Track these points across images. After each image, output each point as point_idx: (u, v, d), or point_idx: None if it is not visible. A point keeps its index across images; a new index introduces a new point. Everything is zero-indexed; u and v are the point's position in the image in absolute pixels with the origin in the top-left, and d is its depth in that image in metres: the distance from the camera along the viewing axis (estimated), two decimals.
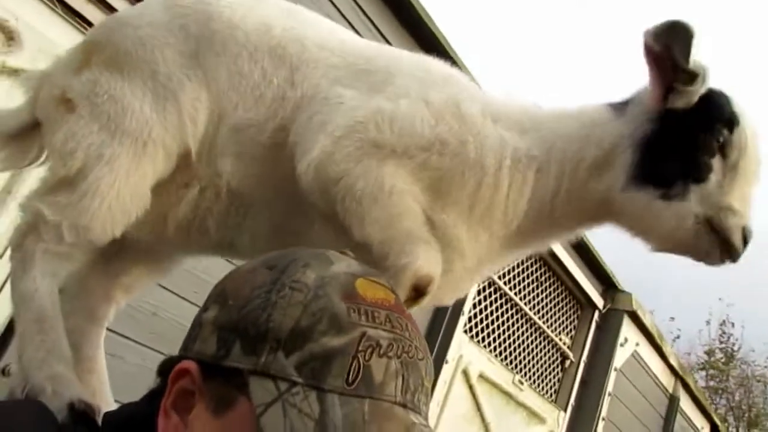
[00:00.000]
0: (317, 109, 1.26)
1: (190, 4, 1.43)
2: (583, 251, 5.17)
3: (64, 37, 2.14)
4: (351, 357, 0.79)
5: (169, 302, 2.65)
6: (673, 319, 19.46)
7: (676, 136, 1.20)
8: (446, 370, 3.98)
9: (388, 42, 3.14)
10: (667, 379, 6.74)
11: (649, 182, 1.19)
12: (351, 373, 0.79)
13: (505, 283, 4.60)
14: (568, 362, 5.45)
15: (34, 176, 2.09)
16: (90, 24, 2.24)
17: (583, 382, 5.53)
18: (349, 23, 2.98)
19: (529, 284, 4.89)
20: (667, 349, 6.44)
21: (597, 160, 1.24)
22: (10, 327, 2.09)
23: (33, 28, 2.06)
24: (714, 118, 1.20)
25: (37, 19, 2.08)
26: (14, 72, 2.04)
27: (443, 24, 3.37)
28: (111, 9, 2.29)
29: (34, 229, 1.32)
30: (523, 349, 4.92)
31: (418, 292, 1.19)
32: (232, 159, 1.33)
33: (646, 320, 5.83)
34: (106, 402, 1.43)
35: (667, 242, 1.22)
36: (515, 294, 4.73)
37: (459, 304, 4.02)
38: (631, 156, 1.21)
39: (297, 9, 1.48)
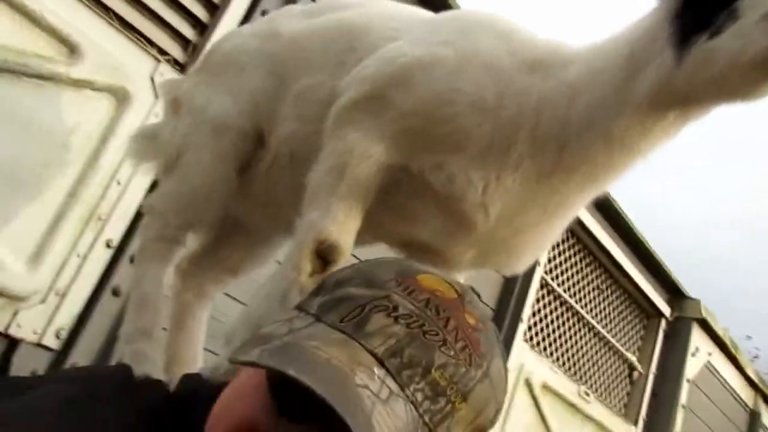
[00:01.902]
0: (370, 60, 1.28)
1: (277, 15, 1.60)
2: (646, 258, 5.05)
3: (122, 50, 2.26)
4: (359, 305, 0.81)
5: (229, 307, 2.71)
6: (750, 338, 18.66)
7: None
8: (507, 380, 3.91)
9: None
10: (746, 393, 6.44)
11: (694, 33, 1.04)
12: (348, 315, 0.80)
13: (564, 291, 4.53)
14: (636, 374, 5.29)
15: (97, 182, 2.21)
16: (146, 39, 2.36)
17: (654, 395, 5.35)
18: None
19: (589, 291, 4.80)
20: (744, 360, 6.17)
21: (633, 61, 1.12)
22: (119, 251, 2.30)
23: (93, 41, 2.18)
24: None
25: (97, 34, 2.20)
26: (76, 83, 2.16)
27: None
28: (165, 24, 2.41)
29: (148, 219, 1.61)
30: (588, 359, 4.81)
31: (323, 259, 1.17)
32: (292, 121, 1.42)
33: (718, 328, 5.61)
34: (195, 367, 1.61)
35: (745, 69, 1.00)
36: (576, 302, 4.64)
37: (517, 311, 3.97)
38: (669, 29, 1.08)
39: (365, 1, 1.57)
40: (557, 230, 1.31)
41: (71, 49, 2.15)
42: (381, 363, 0.75)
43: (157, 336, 1.47)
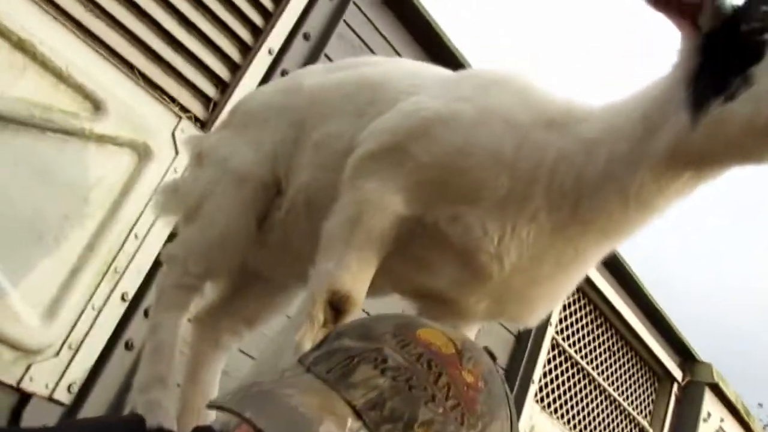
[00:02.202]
0: (390, 114, 1.31)
1: (298, 73, 1.63)
2: (657, 321, 5.01)
3: (145, 107, 2.31)
4: (348, 357, 0.80)
5: (241, 362, 2.69)
6: (761, 405, 18.29)
7: (724, 48, 1.09)
8: None
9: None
10: None
11: (709, 96, 1.07)
12: (337, 366, 0.79)
13: (576, 352, 4.48)
14: None
15: (115, 235, 2.22)
16: (168, 96, 2.41)
17: None
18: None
19: (601, 353, 4.74)
20: (756, 426, 6.04)
21: (650, 120, 1.14)
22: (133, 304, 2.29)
23: (117, 97, 2.23)
24: (753, 5, 1.08)
25: (121, 90, 2.24)
26: (100, 138, 2.20)
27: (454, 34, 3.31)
28: (189, 83, 2.46)
29: (167, 267, 1.63)
30: (599, 422, 4.72)
31: (336, 309, 1.18)
32: (310, 169, 1.45)
33: (730, 393, 5.52)
34: (207, 419, 1.59)
35: (759, 133, 1.03)
36: (587, 363, 4.59)
37: (528, 371, 3.92)
38: (685, 91, 1.11)
39: (388, 59, 1.63)
40: (571, 284, 1.32)
41: (95, 105, 2.19)
42: (358, 415, 0.73)
43: (172, 384, 1.47)
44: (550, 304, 1.33)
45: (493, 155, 1.18)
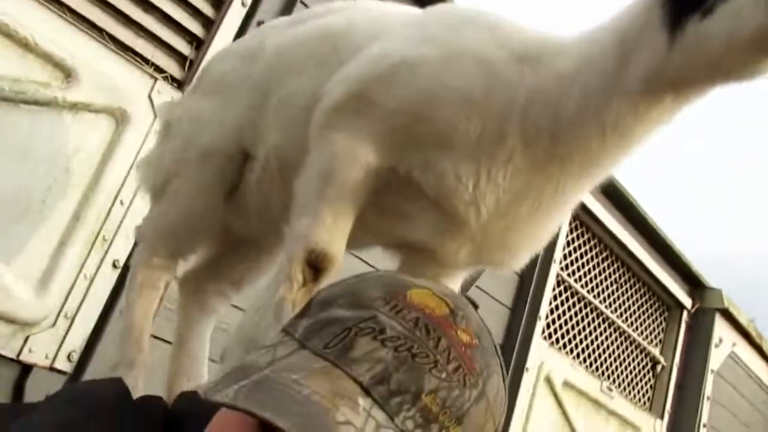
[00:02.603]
0: (354, 62, 1.26)
1: (264, 29, 1.59)
2: (664, 249, 4.98)
3: (118, 71, 2.27)
4: (345, 329, 0.76)
5: (235, 316, 2.71)
6: None
7: None
8: (527, 379, 3.88)
9: None
10: None
11: (686, 13, 1.01)
12: (333, 340, 0.75)
13: (582, 286, 4.48)
14: (659, 367, 5.22)
15: (100, 203, 2.21)
16: (142, 57, 2.36)
17: (679, 387, 5.28)
18: None
19: (608, 286, 4.74)
20: None
21: (625, 45, 1.08)
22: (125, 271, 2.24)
23: (88, 63, 2.19)
24: None
25: (92, 56, 2.20)
26: (74, 106, 2.16)
27: None
28: (162, 42, 2.41)
29: (139, 246, 1.62)
30: (609, 355, 4.75)
31: (314, 268, 1.14)
32: (276, 130, 1.41)
33: (741, 318, 5.53)
34: (197, 382, 1.63)
35: (741, 48, 0.98)
36: (594, 297, 4.59)
37: (534, 309, 3.93)
38: (660, 10, 1.04)
39: (351, 3, 1.56)
40: (553, 224, 1.28)
41: (66, 73, 2.15)
42: (367, 392, 0.71)
43: (140, 364, 1.48)
44: (534, 246, 1.29)
45: (462, 97, 1.13)
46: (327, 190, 1.16)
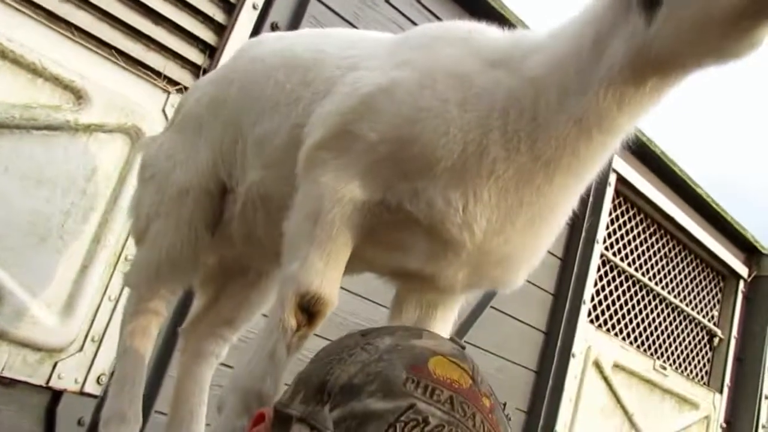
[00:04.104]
0: (330, 98, 1.23)
1: (235, 58, 1.54)
2: (714, 217, 4.78)
3: (129, 87, 2.23)
4: (388, 424, 0.76)
5: None
6: None
7: None
8: (574, 365, 3.78)
9: None
10: None
11: None
12: None
13: (629, 265, 4.33)
14: (716, 340, 5.04)
15: (120, 224, 2.19)
16: (153, 71, 2.31)
17: (738, 360, 5.10)
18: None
19: (657, 263, 4.57)
20: None
21: (600, 35, 1.06)
22: None
23: (98, 83, 2.15)
24: None
25: (101, 74, 2.17)
26: (87, 128, 2.14)
27: None
28: (173, 54, 2.36)
29: (128, 293, 1.61)
30: (662, 332, 4.60)
31: (309, 313, 1.11)
32: (256, 168, 1.39)
33: None
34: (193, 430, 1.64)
35: (719, 20, 0.93)
36: (642, 275, 4.43)
37: (578, 293, 3.82)
38: None
39: (326, 30, 1.52)
40: (550, 236, 1.22)
41: (77, 94, 2.12)
42: None
43: (132, 418, 1.47)
44: (532, 261, 1.24)
45: (439, 115, 1.09)
46: (316, 232, 1.12)
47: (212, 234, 1.48)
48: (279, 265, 1.21)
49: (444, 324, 1.34)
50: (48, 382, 2.09)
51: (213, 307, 1.71)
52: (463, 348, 0.95)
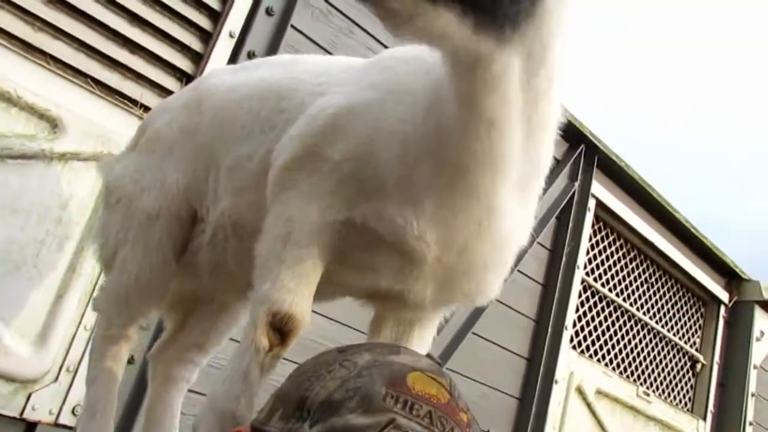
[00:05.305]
0: (299, 122, 1.25)
1: (202, 81, 1.55)
2: (694, 242, 4.82)
3: (105, 115, 2.23)
4: None
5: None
6: None
7: None
8: (557, 391, 3.76)
9: None
10: None
11: None
12: None
13: (610, 290, 4.34)
14: (699, 366, 5.05)
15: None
16: (130, 99, 2.32)
17: (721, 386, 5.10)
18: None
19: (637, 288, 4.59)
20: None
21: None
22: None
23: (74, 112, 2.15)
24: None
25: (77, 103, 2.17)
26: (62, 156, 2.13)
27: None
28: (150, 83, 2.37)
29: (97, 318, 1.63)
30: (644, 358, 4.60)
31: (281, 332, 1.12)
32: (228, 195, 1.40)
33: None
34: None
35: None
36: (624, 300, 4.45)
37: (560, 319, 3.82)
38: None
39: (298, 57, 1.54)
40: (509, 246, 1.20)
41: (53, 123, 2.13)
42: None
43: None
44: (498, 271, 1.23)
45: (392, 133, 1.12)
46: (286, 252, 1.14)
47: (177, 262, 1.48)
48: (248, 296, 1.22)
49: (421, 342, 1.35)
50: (22, 413, 2.05)
51: (181, 331, 1.70)
52: (440, 364, 0.97)
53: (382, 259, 1.17)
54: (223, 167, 1.40)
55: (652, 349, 4.69)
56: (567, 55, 1.10)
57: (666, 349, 4.83)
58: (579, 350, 4.04)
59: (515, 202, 1.14)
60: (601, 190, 4.10)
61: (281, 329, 1.12)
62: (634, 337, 4.54)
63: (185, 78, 2.46)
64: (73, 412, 2.14)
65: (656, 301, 4.75)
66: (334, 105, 1.18)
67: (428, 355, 1.00)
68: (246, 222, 1.32)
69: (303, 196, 1.15)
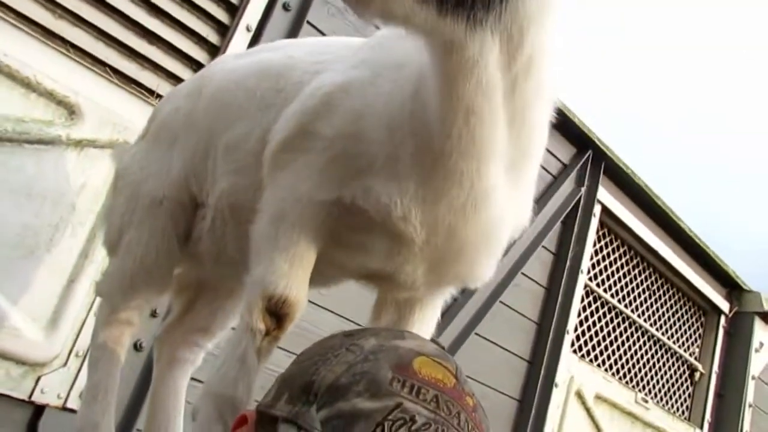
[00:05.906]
0: (295, 101, 1.25)
1: (208, 68, 1.57)
2: (697, 252, 4.84)
3: (122, 104, 2.25)
4: (376, 423, 0.78)
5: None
6: None
7: None
8: (557, 395, 3.78)
9: None
10: None
11: None
12: None
13: (612, 296, 4.36)
14: (697, 375, 5.07)
15: None
16: (147, 89, 2.34)
17: (719, 395, 5.12)
18: None
19: (639, 294, 4.61)
20: None
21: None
22: None
23: (91, 99, 2.17)
24: None
25: (95, 91, 2.19)
26: (78, 143, 2.15)
27: None
28: (167, 73, 2.39)
29: (100, 302, 1.61)
30: (644, 365, 4.62)
31: (277, 316, 1.11)
32: (226, 176, 1.39)
33: None
34: None
35: None
36: (625, 306, 4.47)
37: (562, 322, 3.84)
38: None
39: (298, 40, 1.55)
40: (501, 228, 1.17)
41: (70, 110, 2.14)
42: None
43: (105, 427, 1.47)
44: (491, 252, 1.20)
45: (380, 109, 1.11)
46: (279, 234, 1.13)
47: (181, 249, 1.49)
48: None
49: (422, 325, 1.33)
50: (30, 396, 2.07)
51: (188, 314, 1.71)
52: (444, 349, 0.97)
53: (372, 240, 1.16)
54: (221, 147, 1.39)
55: (652, 356, 4.71)
56: (554, 38, 1.06)
57: (665, 357, 4.84)
58: (579, 354, 4.06)
59: (505, 185, 1.11)
60: (606, 196, 4.12)
61: (277, 313, 1.11)
62: (634, 344, 4.56)
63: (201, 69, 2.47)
64: (80, 397, 2.16)
65: (657, 309, 4.77)
66: (329, 83, 1.18)
67: (433, 340, 1.00)
68: (243, 203, 1.31)
69: (295, 176, 1.15)
